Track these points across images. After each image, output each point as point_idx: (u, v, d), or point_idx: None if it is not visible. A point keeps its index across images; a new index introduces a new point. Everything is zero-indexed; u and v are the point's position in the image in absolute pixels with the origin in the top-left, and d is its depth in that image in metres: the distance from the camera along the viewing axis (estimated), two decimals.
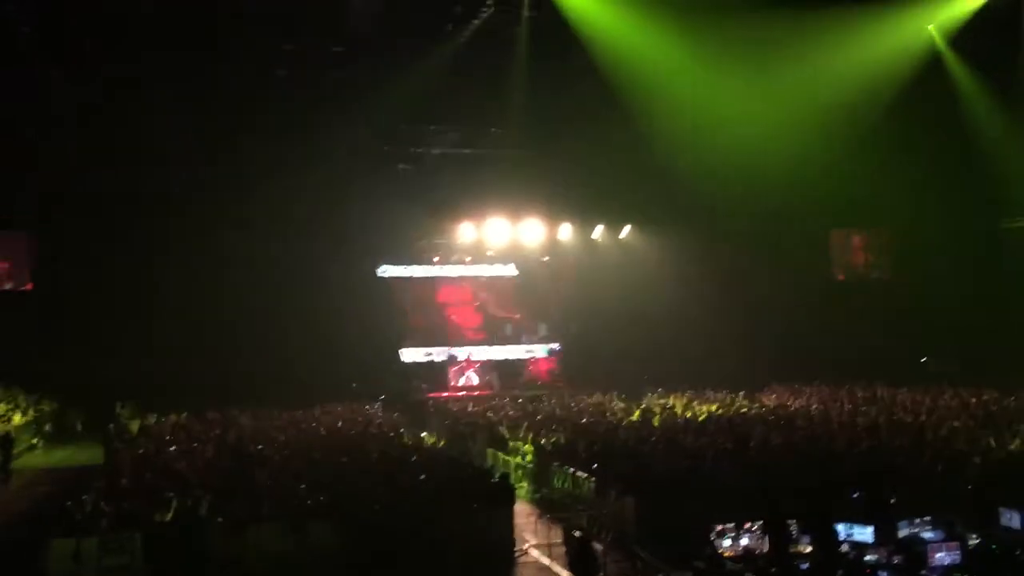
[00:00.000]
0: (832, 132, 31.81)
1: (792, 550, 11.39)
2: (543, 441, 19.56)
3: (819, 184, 33.47)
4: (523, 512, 16.60)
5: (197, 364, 29.54)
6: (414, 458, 17.76)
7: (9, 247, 33.18)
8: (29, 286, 32.87)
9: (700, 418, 23.14)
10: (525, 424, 21.47)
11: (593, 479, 16.21)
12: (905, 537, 11.67)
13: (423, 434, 25.00)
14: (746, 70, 30.26)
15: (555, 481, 17.94)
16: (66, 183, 29.87)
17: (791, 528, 11.54)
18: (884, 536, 11.55)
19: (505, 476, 15.65)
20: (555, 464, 18.11)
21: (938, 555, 10.78)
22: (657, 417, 23.23)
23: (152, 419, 24.79)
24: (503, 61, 30.64)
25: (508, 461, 19.78)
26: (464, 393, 33.56)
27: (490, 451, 20.90)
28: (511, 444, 20.34)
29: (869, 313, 36.09)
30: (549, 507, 17.22)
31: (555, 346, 38.36)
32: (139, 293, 31.36)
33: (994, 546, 10.95)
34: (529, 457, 19.13)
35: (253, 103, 29.82)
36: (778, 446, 17.74)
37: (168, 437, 21.31)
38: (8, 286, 32.94)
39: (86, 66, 27.68)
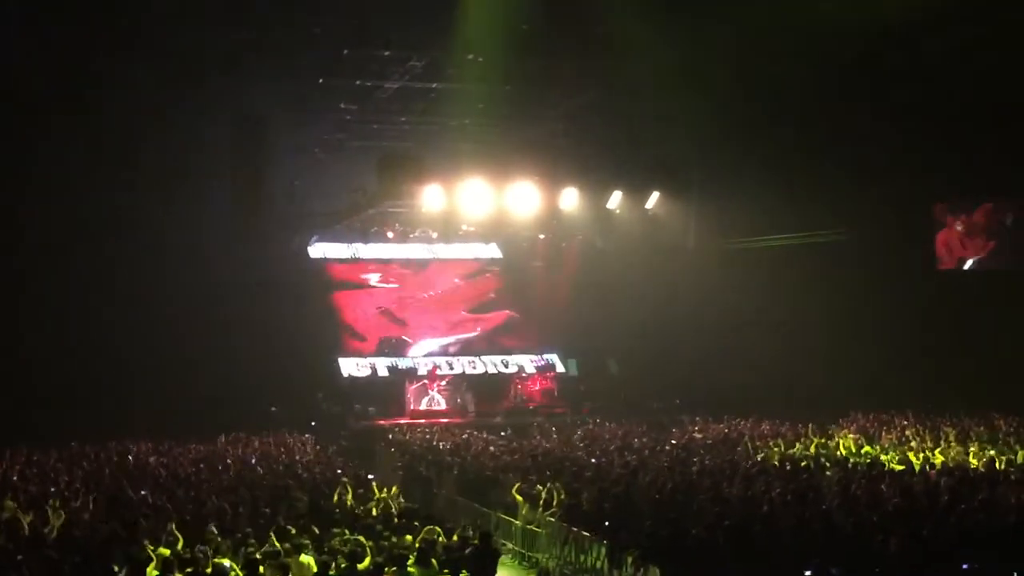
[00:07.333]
0: None
1: None
2: (540, 490, 19.63)
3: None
4: None
5: (43, 375, 29.51)
6: (362, 509, 17.83)
7: None
8: None
9: (754, 458, 23.33)
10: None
11: (604, 542, 16.28)
12: None
13: (371, 477, 25.16)
14: None
15: (551, 545, 18.01)
16: None
17: None
18: None
19: (486, 536, 15.70)
20: (550, 521, 18.20)
21: None
22: (696, 457, 23.42)
23: None
24: None
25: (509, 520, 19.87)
26: (427, 420, 33.67)
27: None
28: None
29: (986, 314, 36.25)
30: None
31: (552, 357, 38.44)
32: None
33: None
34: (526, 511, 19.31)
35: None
36: (860, 498, 17.86)
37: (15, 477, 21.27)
38: None
39: None
